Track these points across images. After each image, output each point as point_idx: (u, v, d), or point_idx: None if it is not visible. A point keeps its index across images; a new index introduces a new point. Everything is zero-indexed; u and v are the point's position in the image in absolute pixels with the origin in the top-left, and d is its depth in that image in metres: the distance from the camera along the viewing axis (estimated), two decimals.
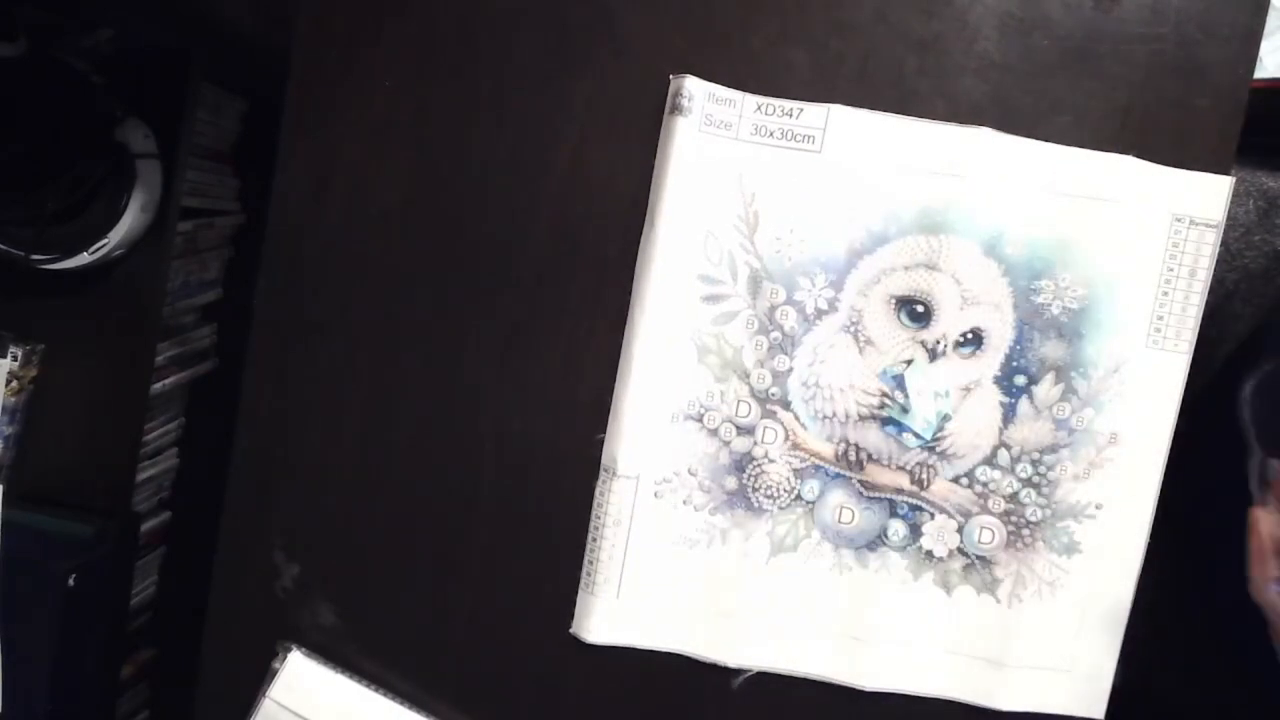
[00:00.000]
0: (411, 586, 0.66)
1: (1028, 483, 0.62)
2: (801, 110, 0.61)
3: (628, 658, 0.64)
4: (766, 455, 0.62)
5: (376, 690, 0.65)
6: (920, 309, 0.61)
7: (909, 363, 0.62)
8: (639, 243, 0.62)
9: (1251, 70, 0.61)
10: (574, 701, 0.65)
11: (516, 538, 0.65)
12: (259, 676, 0.66)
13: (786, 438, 0.62)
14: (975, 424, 0.62)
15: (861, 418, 0.62)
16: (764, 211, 0.61)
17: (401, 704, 0.65)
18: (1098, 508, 0.62)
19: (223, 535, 0.66)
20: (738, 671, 0.64)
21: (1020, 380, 0.61)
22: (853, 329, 0.62)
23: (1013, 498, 0.62)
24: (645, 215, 0.62)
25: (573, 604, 0.64)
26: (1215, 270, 0.60)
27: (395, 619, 0.66)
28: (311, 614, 0.66)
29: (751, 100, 0.61)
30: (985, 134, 0.60)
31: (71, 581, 0.82)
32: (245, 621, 0.67)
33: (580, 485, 0.64)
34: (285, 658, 0.65)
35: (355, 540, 0.66)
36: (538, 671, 0.65)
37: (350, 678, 0.65)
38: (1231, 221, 0.63)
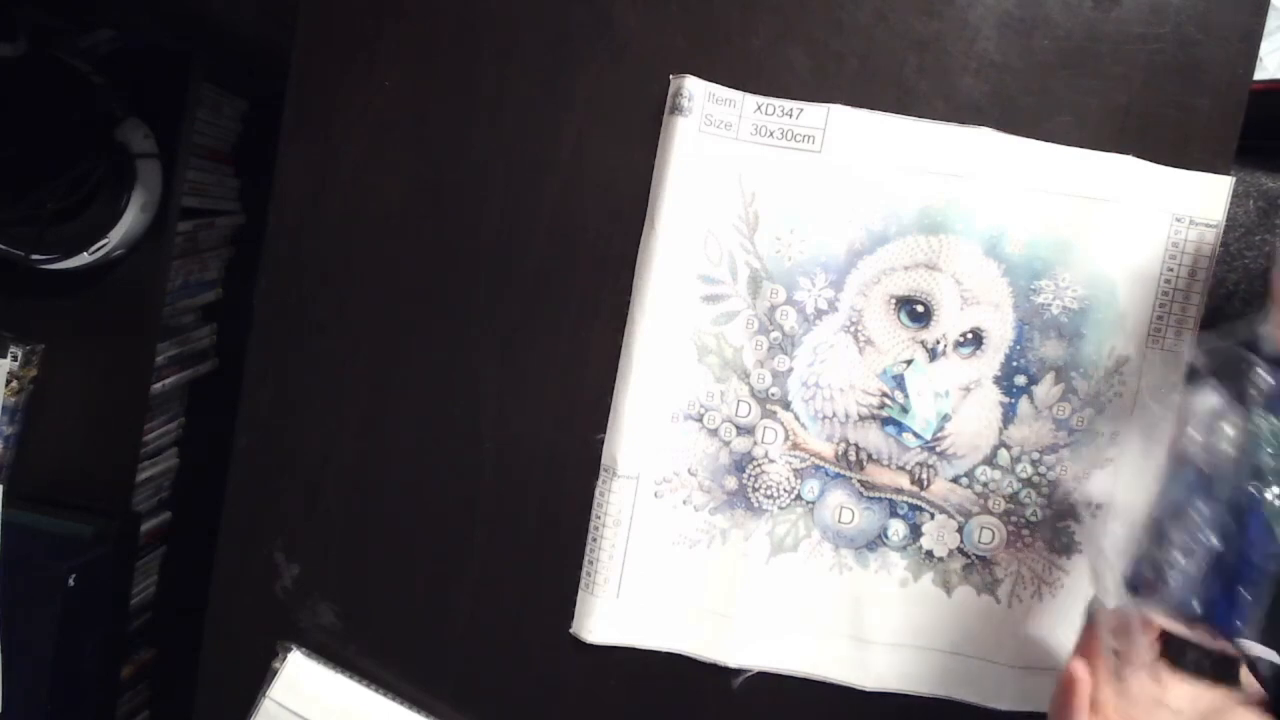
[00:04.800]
0: (411, 586, 0.66)
1: (1028, 483, 0.62)
2: (801, 110, 0.61)
3: (627, 658, 0.64)
4: (766, 455, 0.62)
5: (376, 690, 0.65)
6: (920, 309, 0.61)
7: (909, 363, 0.62)
8: (639, 242, 0.62)
9: (1251, 70, 0.61)
10: (574, 701, 0.65)
11: (516, 538, 0.65)
12: (259, 676, 0.66)
13: (786, 438, 0.62)
14: (975, 424, 0.62)
15: (861, 418, 0.62)
16: (764, 211, 0.61)
17: (401, 704, 0.65)
18: (1098, 508, 0.62)
19: (223, 535, 0.66)
20: (738, 671, 0.64)
21: (1020, 380, 0.61)
22: (853, 329, 0.62)
23: (1013, 498, 0.62)
24: (645, 215, 0.62)
25: (573, 604, 0.64)
26: (1215, 270, 0.60)
27: (395, 619, 0.66)
28: (311, 614, 0.66)
29: (751, 100, 0.61)
30: (985, 134, 0.60)
31: (71, 581, 0.82)
32: (245, 621, 0.66)
33: (580, 485, 0.64)
34: (285, 658, 0.65)
35: (355, 540, 0.66)
36: (538, 671, 0.65)
37: (350, 678, 0.65)
38: (1231, 221, 0.63)
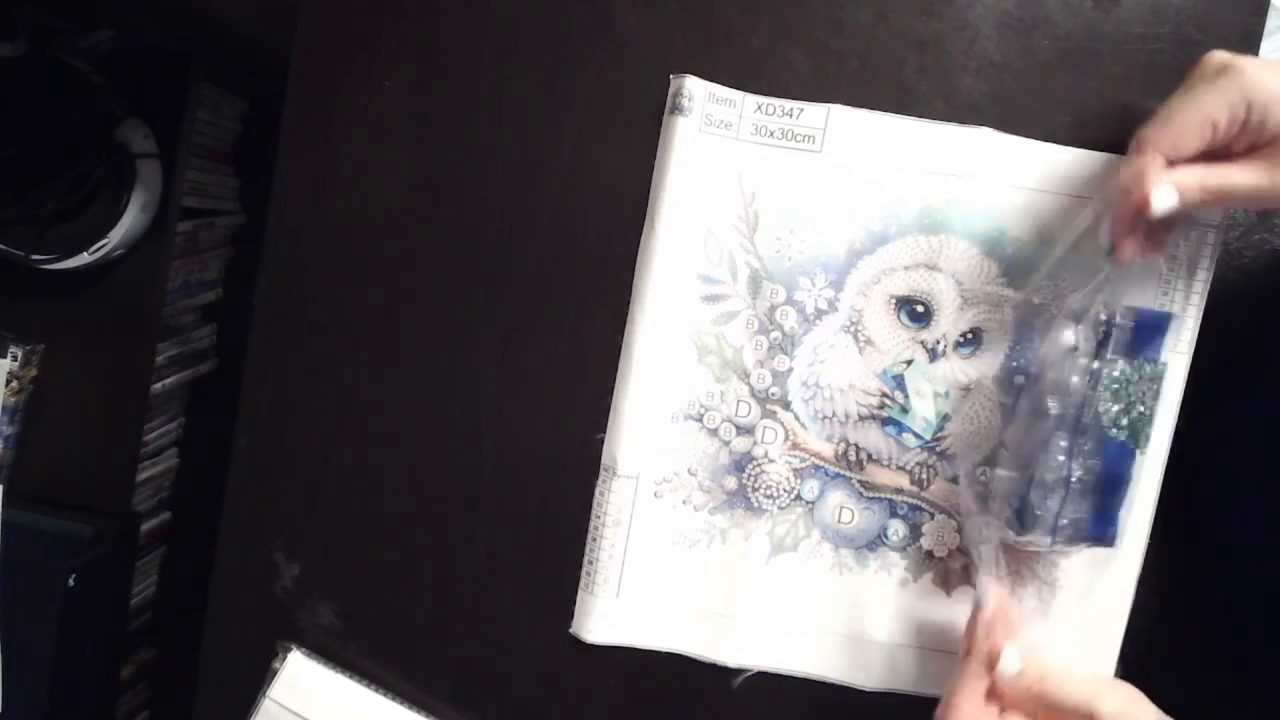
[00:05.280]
0: (411, 586, 0.66)
1: None
2: (802, 110, 0.61)
3: (627, 658, 0.64)
4: (766, 455, 0.62)
5: (376, 690, 0.65)
6: (920, 309, 0.61)
7: (909, 363, 0.62)
8: (639, 243, 0.62)
9: None
10: (573, 701, 0.65)
11: (516, 538, 0.65)
12: (259, 676, 0.66)
13: (786, 438, 0.62)
14: (975, 424, 0.62)
15: (861, 418, 0.62)
16: (764, 211, 0.61)
17: (401, 704, 0.65)
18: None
19: (223, 535, 0.66)
20: (737, 671, 0.64)
21: (1020, 380, 0.61)
22: (853, 329, 0.62)
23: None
24: (645, 215, 0.62)
25: (573, 604, 0.64)
26: (1215, 270, 0.60)
27: (395, 619, 0.66)
28: (311, 614, 0.66)
29: (752, 100, 0.61)
30: (985, 134, 0.60)
31: (71, 581, 0.82)
32: (245, 621, 0.67)
33: (580, 485, 0.64)
34: (285, 658, 0.65)
35: (355, 540, 0.66)
36: (537, 671, 0.65)
37: (350, 678, 0.65)
38: (1231, 221, 0.63)
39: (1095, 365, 0.55)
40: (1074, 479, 0.56)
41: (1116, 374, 0.56)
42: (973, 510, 0.60)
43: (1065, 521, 0.56)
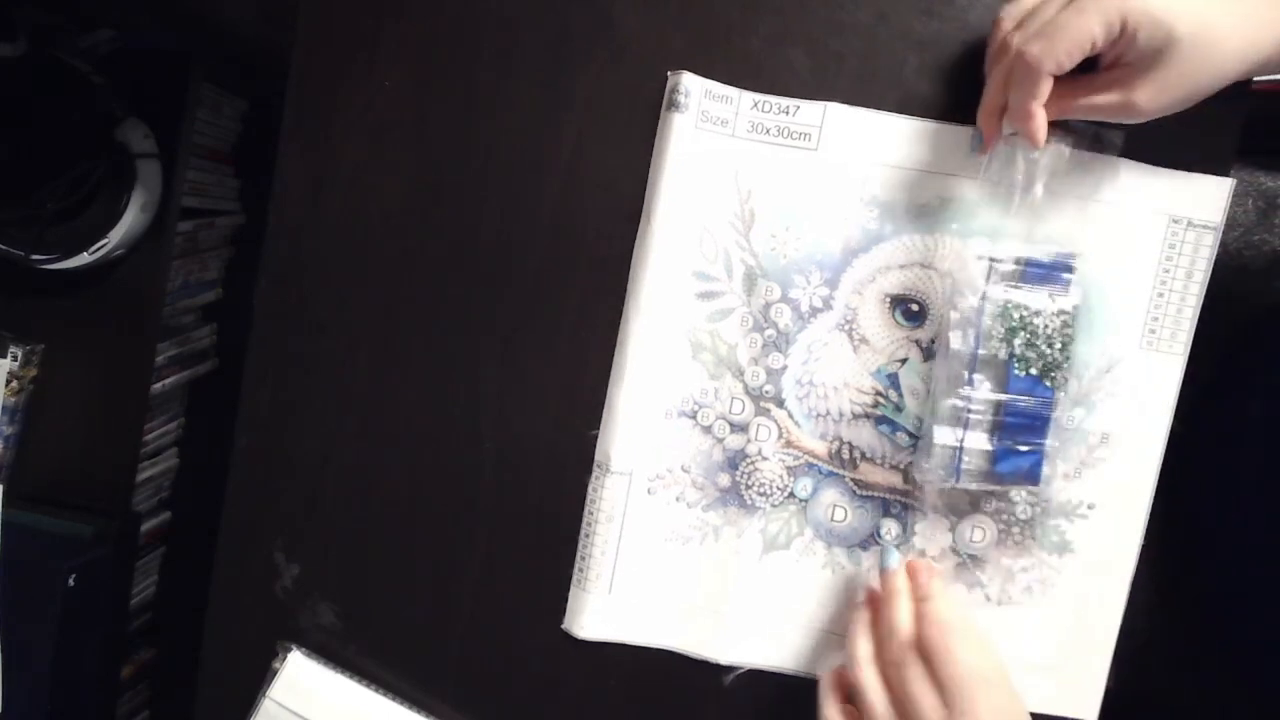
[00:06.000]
0: (411, 586, 0.66)
1: None
2: (798, 108, 0.61)
3: (620, 654, 0.64)
4: (760, 453, 0.63)
5: (376, 690, 0.65)
6: (915, 308, 0.61)
7: (903, 361, 0.62)
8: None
9: None
10: (573, 701, 0.65)
11: (516, 537, 0.65)
12: (259, 676, 0.66)
13: (780, 435, 0.62)
14: None
15: (855, 416, 0.62)
16: (760, 208, 0.61)
17: (401, 703, 0.65)
18: (1090, 507, 0.62)
19: (223, 535, 0.67)
20: (729, 669, 0.64)
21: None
22: (847, 327, 0.62)
23: (1004, 496, 0.62)
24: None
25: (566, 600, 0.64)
26: (1214, 270, 0.60)
27: (395, 619, 0.66)
28: (311, 614, 0.66)
29: (748, 97, 0.61)
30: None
31: (71, 581, 0.82)
32: (245, 621, 0.67)
33: (580, 485, 0.64)
34: (285, 658, 0.65)
35: (355, 540, 0.66)
36: (537, 671, 0.65)
37: (350, 678, 0.65)
38: (1231, 221, 0.63)
39: (983, 300, 0.57)
40: (971, 411, 0.57)
41: (1006, 307, 0.57)
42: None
43: (970, 457, 0.57)
